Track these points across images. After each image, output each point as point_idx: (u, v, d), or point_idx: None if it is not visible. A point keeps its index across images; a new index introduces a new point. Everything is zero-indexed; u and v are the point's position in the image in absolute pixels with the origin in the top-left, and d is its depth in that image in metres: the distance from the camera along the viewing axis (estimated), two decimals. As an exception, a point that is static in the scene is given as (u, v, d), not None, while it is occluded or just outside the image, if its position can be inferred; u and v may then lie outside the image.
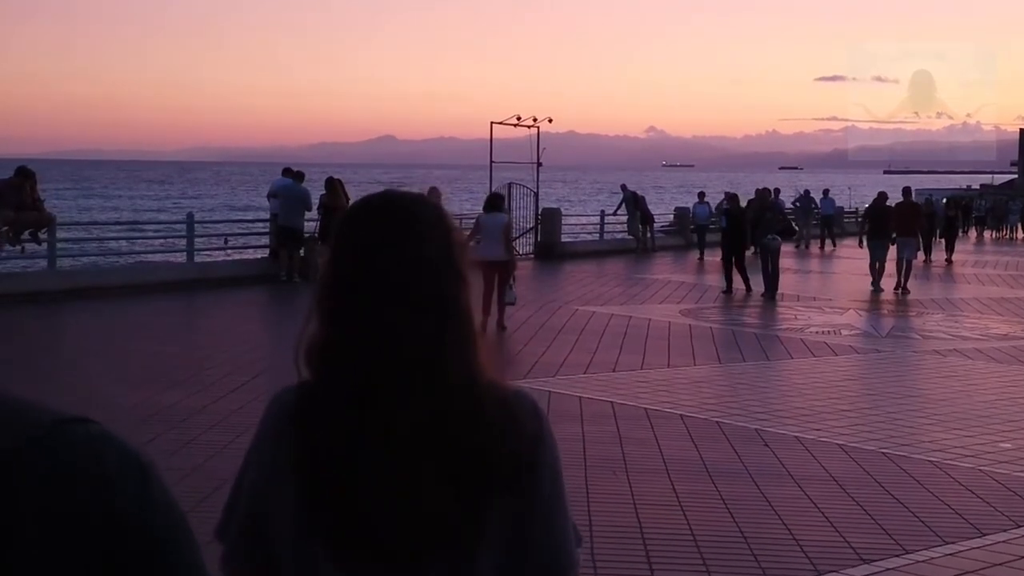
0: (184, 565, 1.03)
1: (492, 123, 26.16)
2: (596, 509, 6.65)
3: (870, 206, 22.35)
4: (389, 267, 1.69)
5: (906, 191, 22.23)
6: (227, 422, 8.70)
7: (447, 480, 1.64)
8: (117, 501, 1.00)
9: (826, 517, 6.67)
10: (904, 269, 20.97)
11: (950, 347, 14.01)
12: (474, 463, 1.66)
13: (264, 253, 21.08)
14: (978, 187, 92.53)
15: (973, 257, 31.77)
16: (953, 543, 6.28)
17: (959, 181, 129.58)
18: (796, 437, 8.76)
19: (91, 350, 12.55)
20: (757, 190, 22.43)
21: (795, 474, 7.63)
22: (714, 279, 22.25)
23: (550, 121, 26.94)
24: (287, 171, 20.97)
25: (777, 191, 28.58)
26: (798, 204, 34.41)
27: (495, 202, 15.27)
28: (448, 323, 1.69)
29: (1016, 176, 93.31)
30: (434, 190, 16.50)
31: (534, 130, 26.95)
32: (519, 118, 26.54)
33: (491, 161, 26.26)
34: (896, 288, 20.70)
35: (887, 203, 21.42)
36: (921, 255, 22.43)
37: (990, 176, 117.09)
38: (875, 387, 11.15)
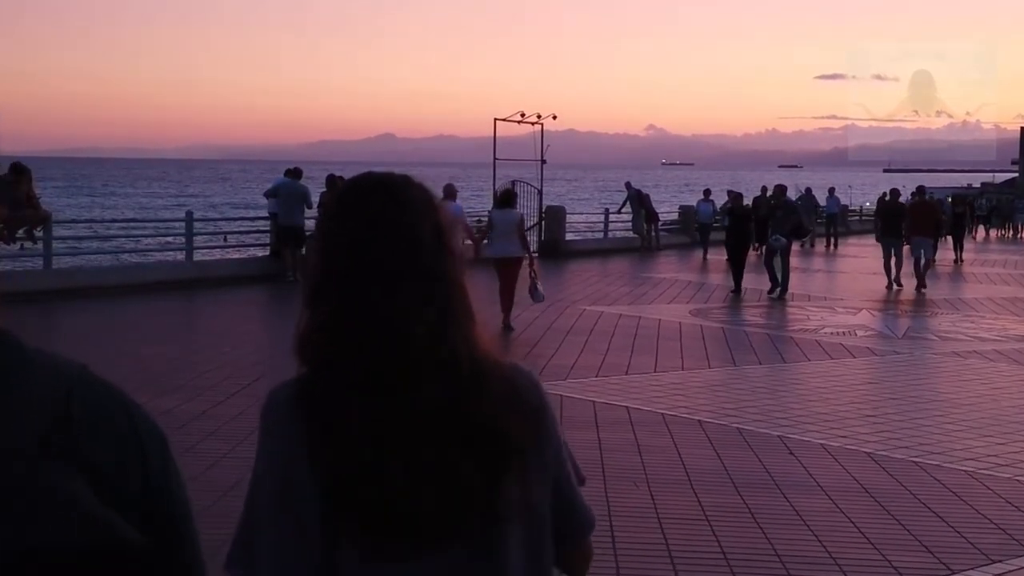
0: (192, 531, 1.25)
1: (496, 120, 25.78)
2: (619, 524, 6.27)
3: (882, 205, 22.05)
4: (385, 249, 1.68)
5: (920, 190, 21.90)
6: (227, 428, 8.34)
7: (465, 456, 1.64)
8: (148, 461, 1.21)
9: (862, 533, 6.30)
10: (923, 267, 20.91)
11: (969, 349, 13.64)
12: (486, 438, 1.66)
13: (265, 252, 20.77)
14: (979, 185, 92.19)
15: (981, 256, 31.41)
16: (1000, 561, 5.91)
17: (959, 180, 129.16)
18: (822, 445, 8.38)
19: (86, 352, 12.09)
20: (776, 186, 21.99)
21: (825, 485, 7.25)
22: (720, 278, 21.92)
23: (554, 118, 26.62)
24: (288, 172, 20.68)
25: (783, 188, 28.17)
26: (799, 203, 33.98)
27: (507, 198, 14.94)
28: (446, 300, 1.69)
29: (1017, 174, 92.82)
30: (449, 187, 15.97)
31: (536, 128, 26.63)
32: (523, 115, 26.19)
33: (495, 158, 25.89)
34: (917, 288, 20.57)
35: (900, 201, 21.10)
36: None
37: (991, 175, 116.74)
38: (898, 391, 10.76)
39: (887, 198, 44.81)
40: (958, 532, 6.39)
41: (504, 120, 25.99)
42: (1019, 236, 43.45)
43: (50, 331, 14.46)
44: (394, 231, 1.70)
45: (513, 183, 24.58)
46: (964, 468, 7.80)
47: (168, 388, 9.85)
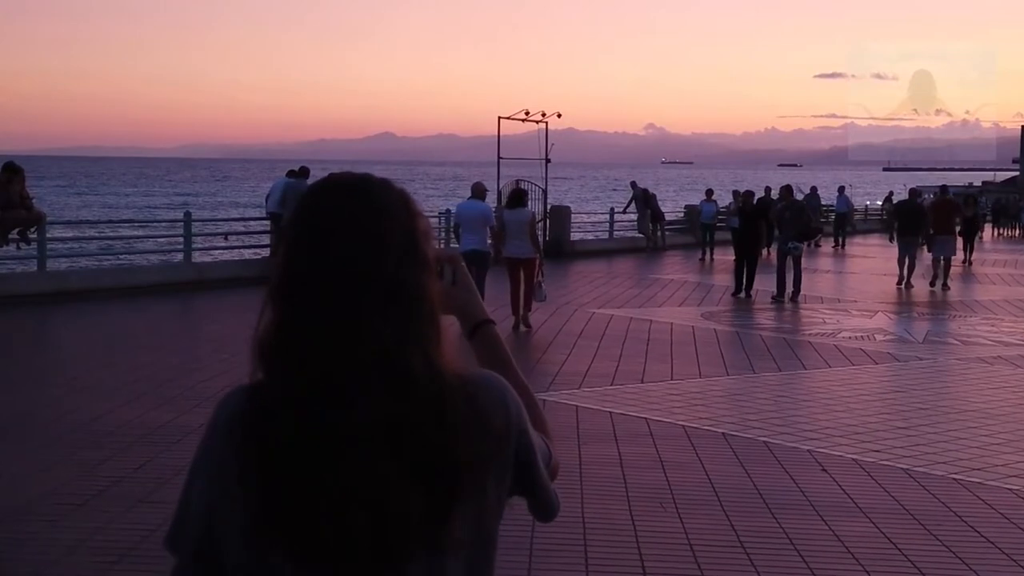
0: None
1: (500, 118, 25.32)
2: (648, 552, 5.83)
3: (899, 204, 21.81)
4: (348, 251, 1.59)
5: (943, 189, 21.67)
6: (226, 443, 7.87)
7: (411, 480, 1.54)
8: None
9: (909, 560, 5.84)
10: (944, 267, 20.92)
11: (994, 354, 13.19)
12: (439, 464, 1.56)
13: (265, 252, 20.33)
14: (979, 184, 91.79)
15: (990, 256, 30.87)
16: (1061, 593, 5.47)
17: (960, 178, 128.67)
18: (855, 460, 7.93)
19: (79, 359, 11.69)
20: (781, 187, 21.54)
21: (864, 506, 6.80)
22: (728, 279, 21.42)
23: (559, 116, 26.19)
24: (291, 173, 20.23)
25: (789, 189, 27.68)
26: (806, 203, 33.48)
27: (518, 198, 14.60)
28: (410, 312, 1.59)
29: (1018, 173, 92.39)
30: (479, 185, 15.21)
31: (538, 126, 26.19)
32: (527, 113, 25.75)
33: (499, 157, 25.42)
34: (932, 285, 20.57)
35: (918, 201, 20.85)
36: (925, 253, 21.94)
37: (992, 173, 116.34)
38: (927, 400, 10.30)
39: (893, 197, 44.23)
40: (1011, 558, 5.96)
41: (508, 119, 25.54)
42: (1026, 236, 42.94)
43: (43, 336, 14.02)
44: (360, 234, 1.60)
45: (517, 182, 24.14)
46: (1008, 486, 7.35)
47: (165, 398, 9.41)
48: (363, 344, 1.56)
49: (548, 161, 26.35)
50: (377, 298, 1.58)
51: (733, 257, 20.47)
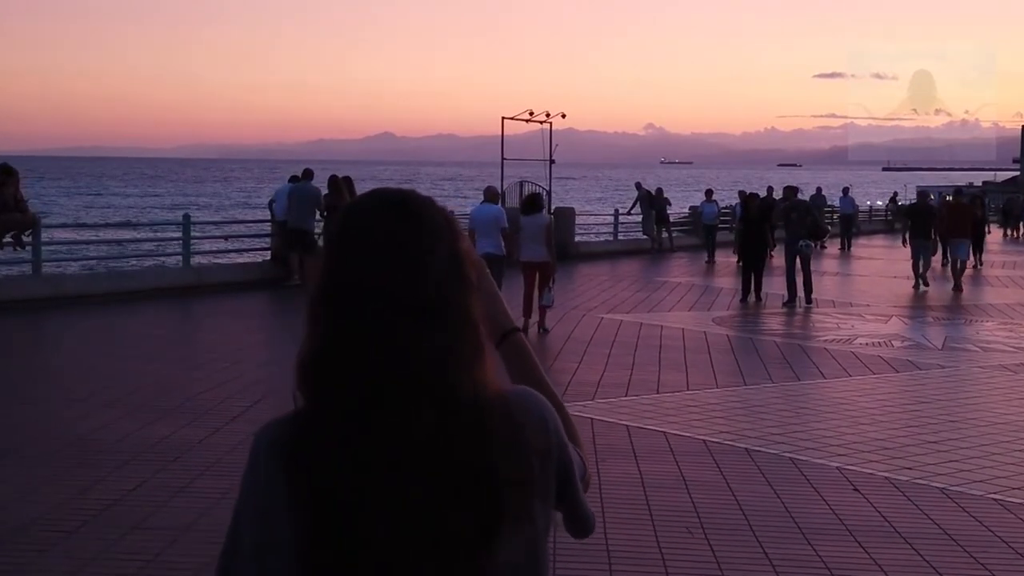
0: None
1: (504, 119, 24.96)
2: (679, 584, 5.45)
3: (910, 206, 21.62)
4: (391, 271, 1.54)
5: (958, 191, 21.44)
6: (227, 460, 7.50)
7: (455, 503, 1.51)
8: None
9: (958, 592, 5.47)
10: (959, 270, 20.77)
11: (1017, 361, 12.80)
12: (483, 484, 1.52)
13: (266, 256, 19.96)
14: (980, 184, 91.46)
15: (999, 258, 30.45)
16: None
17: (960, 178, 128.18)
18: (887, 478, 7.54)
19: (74, 367, 11.29)
20: (785, 188, 21.19)
21: (901, 530, 6.42)
22: (736, 283, 21.05)
23: (563, 117, 25.84)
24: (294, 177, 19.83)
25: (796, 189, 27.27)
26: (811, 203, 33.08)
27: (534, 202, 14.37)
28: (455, 333, 1.55)
29: (1018, 173, 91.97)
30: (491, 189, 15.00)
31: (541, 127, 25.84)
32: (531, 113, 25.39)
33: (502, 158, 25.06)
34: (954, 289, 20.47)
35: (928, 202, 20.62)
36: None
37: (992, 173, 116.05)
38: (954, 412, 9.92)
39: (898, 198, 43.79)
40: (1065, 590, 5.57)
41: (512, 119, 25.18)
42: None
43: (38, 343, 13.65)
44: (404, 254, 1.56)
45: (521, 183, 23.79)
46: (1052, 507, 6.97)
47: (162, 411, 9.02)
48: (405, 365, 1.52)
49: (552, 162, 26.00)
50: (420, 318, 1.54)
51: (736, 259, 20.06)
